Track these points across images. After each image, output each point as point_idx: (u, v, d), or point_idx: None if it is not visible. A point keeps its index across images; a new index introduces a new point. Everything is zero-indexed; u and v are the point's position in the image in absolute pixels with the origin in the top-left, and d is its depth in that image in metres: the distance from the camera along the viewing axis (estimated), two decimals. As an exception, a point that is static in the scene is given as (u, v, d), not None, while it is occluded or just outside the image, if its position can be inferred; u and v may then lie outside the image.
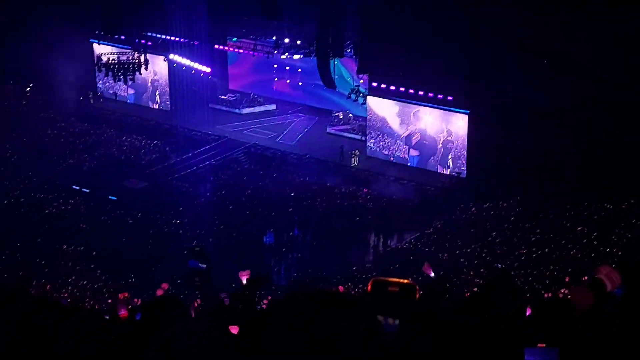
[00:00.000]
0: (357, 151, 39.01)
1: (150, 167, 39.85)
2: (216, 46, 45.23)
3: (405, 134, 38.72)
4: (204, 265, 21.44)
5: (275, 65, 45.69)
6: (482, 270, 27.27)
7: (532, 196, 32.51)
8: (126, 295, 16.99)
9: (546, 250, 28.32)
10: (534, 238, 29.68)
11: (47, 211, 34.90)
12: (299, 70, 45.25)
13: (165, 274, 26.82)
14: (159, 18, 42.74)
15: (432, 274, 12.26)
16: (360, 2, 37.64)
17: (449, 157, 37.42)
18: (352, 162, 38.69)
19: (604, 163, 31.52)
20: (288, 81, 46.05)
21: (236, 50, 45.42)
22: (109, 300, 24.68)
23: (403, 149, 38.88)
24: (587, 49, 31.74)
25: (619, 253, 26.39)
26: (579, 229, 29.74)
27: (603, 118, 32.02)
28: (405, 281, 5.62)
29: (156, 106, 46.71)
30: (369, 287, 5.55)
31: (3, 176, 38.25)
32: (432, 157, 38.03)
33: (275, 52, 43.11)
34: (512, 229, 30.74)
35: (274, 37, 42.51)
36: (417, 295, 5.46)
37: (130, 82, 44.41)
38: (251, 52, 44.36)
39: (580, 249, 28.11)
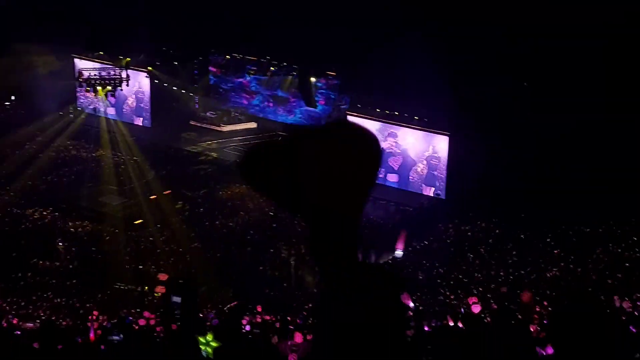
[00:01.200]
0: None
1: (129, 184, 39.72)
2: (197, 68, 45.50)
3: (385, 154, 38.80)
4: (178, 299, 21.32)
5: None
6: (459, 291, 27.26)
7: (511, 218, 32.59)
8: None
9: (522, 272, 28.36)
10: (510, 260, 29.73)
11: (23, 226, 34.68)
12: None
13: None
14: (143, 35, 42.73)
15: (412, 304, 12.24)
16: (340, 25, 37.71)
17: (435, 173, 37.55)
18: None
19: (584, 186, 31.74)
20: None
21: (217, 70, 45.58)
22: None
23: (381, 172, 38.90)
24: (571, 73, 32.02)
25: (593, 277, 26.45)
26: (555, 251, 29.84)
27: (582, 142, 32.25)
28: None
29: (140, 121, 46.52)
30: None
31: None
32: (415, 178, 38.11)
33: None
34: (489, 251, 30.80)
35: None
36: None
37: (110, 98, 44.36)
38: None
39: (558, 271, 28.18)
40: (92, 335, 10.19)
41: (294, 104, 44.07)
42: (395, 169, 38.63)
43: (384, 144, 38.63)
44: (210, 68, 46.53)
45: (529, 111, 33.25)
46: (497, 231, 32.39)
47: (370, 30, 36.35)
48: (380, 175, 37.84)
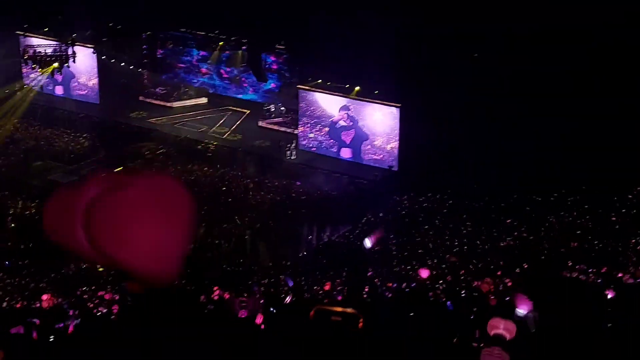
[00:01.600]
0: (293, 144, 38.98)
1: (78, 161, 39.24)
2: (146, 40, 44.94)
3: (338, 128, 38.90)
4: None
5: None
6: (414, 262, 27.43)
7: (463, 189, 32.90)
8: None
9: (477, 242, 28.63)
10: (465, 230, 30.01)
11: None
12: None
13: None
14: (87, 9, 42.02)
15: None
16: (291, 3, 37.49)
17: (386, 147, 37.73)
18: (288, 155, 38.63)
19: (535, 157, 32.23)
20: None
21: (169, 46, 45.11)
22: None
23: (334, 145, 39.04)
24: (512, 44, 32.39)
25: (546, 245, 26.78)
26: (507, 220, 30.18)
27: (527, 113, 32.68)
28: (349, 310, 5.59)
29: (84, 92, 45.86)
30: (311, 315, 5.47)
31: None
32: (367, 151, 38.24)
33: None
34: (444, 222, 31.05)
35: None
36: (361, 325, 5.40)
37: (57, 75, 43.64)
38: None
39: (511, 240, 28.51)
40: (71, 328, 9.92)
41: (244, 79, 43.85)
42: (348, 142, 38.72)
43: (336, 117, 38.73)
44: (159, 44, 46.05)
45: (480, 83, 33.47)
46: (450, 202, 32.66)
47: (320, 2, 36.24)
48: (334, 150, 38.03)
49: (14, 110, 43.43)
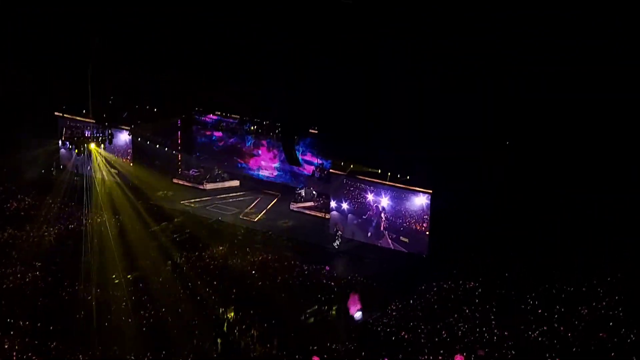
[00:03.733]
0: (340, 232, 38.87)
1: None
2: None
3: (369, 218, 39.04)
4: None
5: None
6: (441, 351, 27.16)
7: (493, 277, 32.67)
8: None
9: (505, 333, 28.28)
10: (494, 319, 29.68)
11: (4, 286, 34.24)
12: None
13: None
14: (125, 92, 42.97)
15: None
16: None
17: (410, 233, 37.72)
18: (336, 244, 38.49)
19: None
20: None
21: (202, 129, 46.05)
22: None
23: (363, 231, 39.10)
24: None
25: (577, 335, 26.43)
26: (539, 310, 29.82)
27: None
28: None
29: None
30: None
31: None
32: (397, 235, 38.22)
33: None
34: (472, 310, 30.73)
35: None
36: None
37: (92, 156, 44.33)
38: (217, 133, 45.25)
39: (540, 333, 28.13)
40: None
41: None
42: (381, 229, 38.80)
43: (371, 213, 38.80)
44: (195, 127, 46.93)
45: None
46: (480, 290, 32.39)
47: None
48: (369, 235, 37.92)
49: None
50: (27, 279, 34.87)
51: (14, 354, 27.71)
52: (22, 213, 41.60)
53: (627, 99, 32.01)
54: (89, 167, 46.11)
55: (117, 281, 34.60)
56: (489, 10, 33.66)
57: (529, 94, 33.70)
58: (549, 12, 32.66)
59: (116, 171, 46.26)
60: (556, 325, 28.17)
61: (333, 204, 39.98)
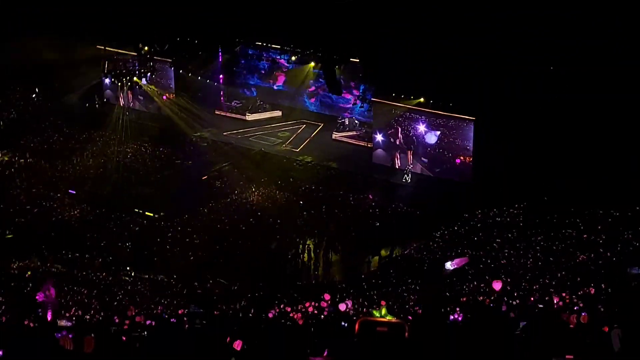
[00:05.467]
0: (409, 167, 38.66)
1: (155, 174, 39.96)
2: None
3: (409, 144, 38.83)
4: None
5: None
6: (487, 277, 27.17)
7: (537, 203, 32.46)
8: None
9: (550, 258, 28.19)
10: (538, 246, 29.58)
11: (53, 219, 34.87)
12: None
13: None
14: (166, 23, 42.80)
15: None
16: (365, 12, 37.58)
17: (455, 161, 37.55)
18: (405, 178, 38.22)
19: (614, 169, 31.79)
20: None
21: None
22: None
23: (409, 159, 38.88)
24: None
25: (622, 260, 26.21)
26: (584, 235, 29.63)
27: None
28: (395, 320, 5.59)
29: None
30: (357, 328, 5.50)
31: (11, 184, 38.14)
32: (439, 164, 38.07)
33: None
34: (517, 236, 30.65)
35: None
36: (407, 334, 5.41)
37: (136, 89, 44.59)
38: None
39: (588, 256, 27.98)
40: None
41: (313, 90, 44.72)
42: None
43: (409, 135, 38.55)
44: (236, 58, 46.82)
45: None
46: (524, 216, 32.24)
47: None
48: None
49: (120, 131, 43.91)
50: (75, 211, 35.58)
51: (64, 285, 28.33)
52: (69, 146, 42.16)
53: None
54: (130, 100, 46.48)
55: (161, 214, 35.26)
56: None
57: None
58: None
59: (158, 103, 46.48)
60: (601, 250, 27.98)
61: (379, 137, 39.67)
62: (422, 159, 38.41)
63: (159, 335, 13.49)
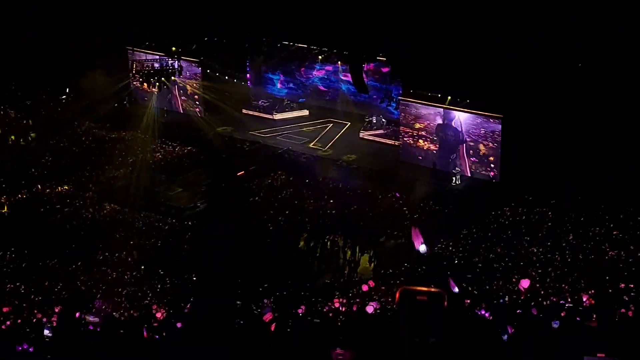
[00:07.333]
0: (458, 168, 38.07)
1: (181, 173, 40.23)
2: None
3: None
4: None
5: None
6: (516, 275, 27.09)
7: (566, 201, 32.33)
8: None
9: (580, 255, 28.07)
10: (565, 243, 29.45)
11: (88, 222, 35.15)
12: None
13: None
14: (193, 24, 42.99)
15: (456, 289, 12.23)
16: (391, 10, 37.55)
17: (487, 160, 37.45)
18: (455, 180, 37.76)
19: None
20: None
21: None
22: None
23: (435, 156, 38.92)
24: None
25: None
26: (614, 232, 29.49)
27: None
28: (434, 290, 5.62)
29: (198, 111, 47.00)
30: (397, 296, 5.56)
31: (42, 183, 38.52)
32: (468, 161, 38.02)
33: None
34: (545, 234, 30.53)
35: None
36: (446, 304, 5.46)
37: (164, 88, 44.83)
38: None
39: (617, 254, 27.82)
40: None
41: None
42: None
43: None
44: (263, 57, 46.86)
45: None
46: (553, 214, 32.11)
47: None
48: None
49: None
50: (105, 212, 35.88)
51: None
52: (99, 146, 42.55)
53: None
54: (158, 99, 46.77)
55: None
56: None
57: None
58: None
59: (185, 103, 46.78)
60: (632, 248, 27.83)
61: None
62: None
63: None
